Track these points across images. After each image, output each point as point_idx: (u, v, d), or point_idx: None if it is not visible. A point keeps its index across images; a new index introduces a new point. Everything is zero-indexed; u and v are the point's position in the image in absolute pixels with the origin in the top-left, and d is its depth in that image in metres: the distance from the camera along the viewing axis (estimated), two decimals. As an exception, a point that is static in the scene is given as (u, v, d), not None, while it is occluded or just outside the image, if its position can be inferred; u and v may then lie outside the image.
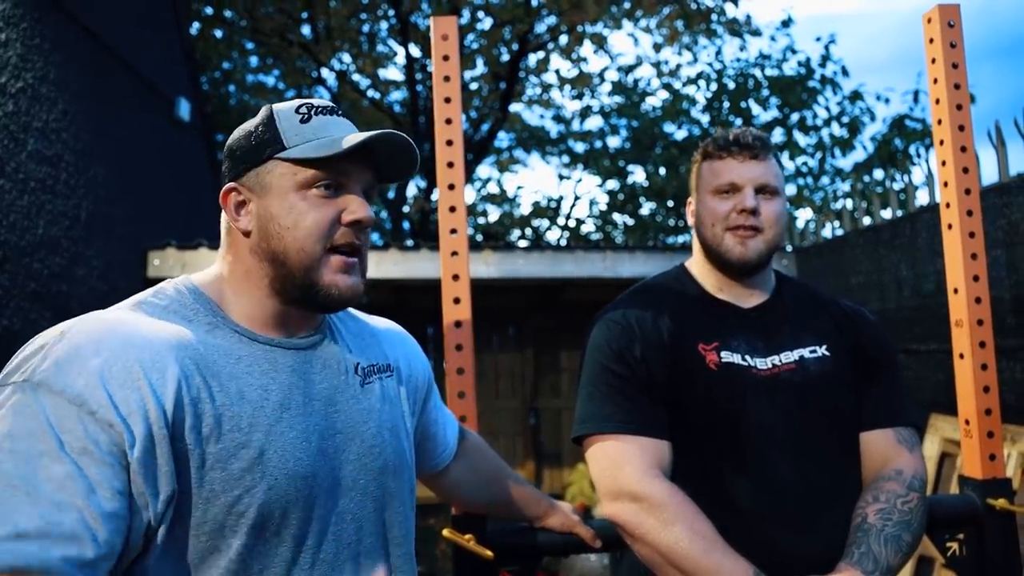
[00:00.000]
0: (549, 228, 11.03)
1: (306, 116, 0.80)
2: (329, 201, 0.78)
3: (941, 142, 1.46)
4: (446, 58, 1.31)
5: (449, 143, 1.30)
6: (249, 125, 0.82)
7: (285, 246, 0.77)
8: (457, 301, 1.27)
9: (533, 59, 8.80)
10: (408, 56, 8.20)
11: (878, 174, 8.47)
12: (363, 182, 0.81)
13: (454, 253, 1.28)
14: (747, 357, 1.16)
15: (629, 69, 10.56)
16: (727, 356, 1.15)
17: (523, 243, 10.29)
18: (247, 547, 0.70)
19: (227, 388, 0.72)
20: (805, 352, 1.18)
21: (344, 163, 0.79)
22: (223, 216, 0.82)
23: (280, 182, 0.78)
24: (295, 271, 0.77)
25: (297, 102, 0.82)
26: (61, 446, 0.62)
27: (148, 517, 0.66)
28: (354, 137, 0.77)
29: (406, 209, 8.91)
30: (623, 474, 1.07)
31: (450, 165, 1.30)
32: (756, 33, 8.95)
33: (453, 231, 1.29)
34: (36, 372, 0.64)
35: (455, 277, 1.28)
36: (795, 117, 9.57)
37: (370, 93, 9.26)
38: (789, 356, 1.17)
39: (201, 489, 0.68)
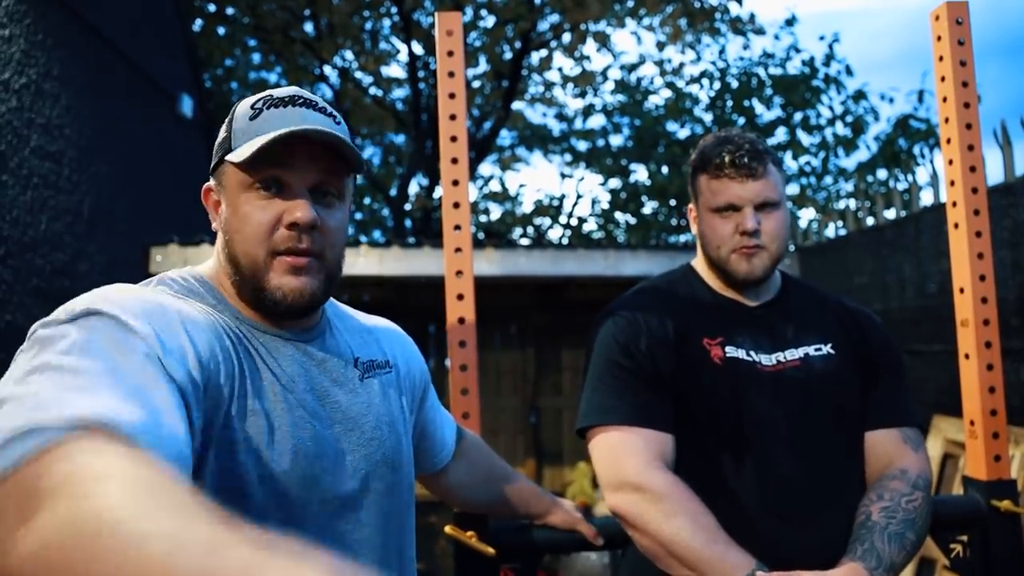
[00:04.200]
0: (551, 226, 11.02)
1: (256, 112, 0.76)
2: (271, 202, 0.75)
3: (948, 140, 1.45)
4: (451, 54, 1.31)
5: (453, 139, 1.30)
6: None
7: (235, 250, 0.76)
8: (461, 297, 1.27)
9: (536, 57, 8.78)
10: (411, 53, 8.19)
11: (881, 174, 8.45)
12: (310, 178, 0.76)
13: (458, 249, 1.28)
14: (752, 353, 1.16)
15: (632, 67, 10.54)
16: (732, 351, 1.15)
17: (525, 241, 10.29)
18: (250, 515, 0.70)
19: (243, 361, 0.73)
20: (810, 350, 1.18)
21: (283, 159, 0.74)
22: None
23: (229, 183, 0.77)
24: (246, 275, 0.76)
25: (259, 95, 0.79)
26: (132, 349, 0.60)
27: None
28: (260, 140, 0.73)
29: (408, 207, 8.90)
30: (626, 465, 1.07)
31: (454, 161, 1.29)
32: (760, 32, 8.91)
33: (457, 227, 1.28)
34: (86, 306, 0.62)
35: (459, 273, 1.27)
36: (798, 116, 9.55)
37: (372, 91, 9.24)
38: (794, 353, 1.17)
39: (214, 447, 0.67)
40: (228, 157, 0.76)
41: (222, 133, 0.80)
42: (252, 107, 0.78)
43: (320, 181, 0.78)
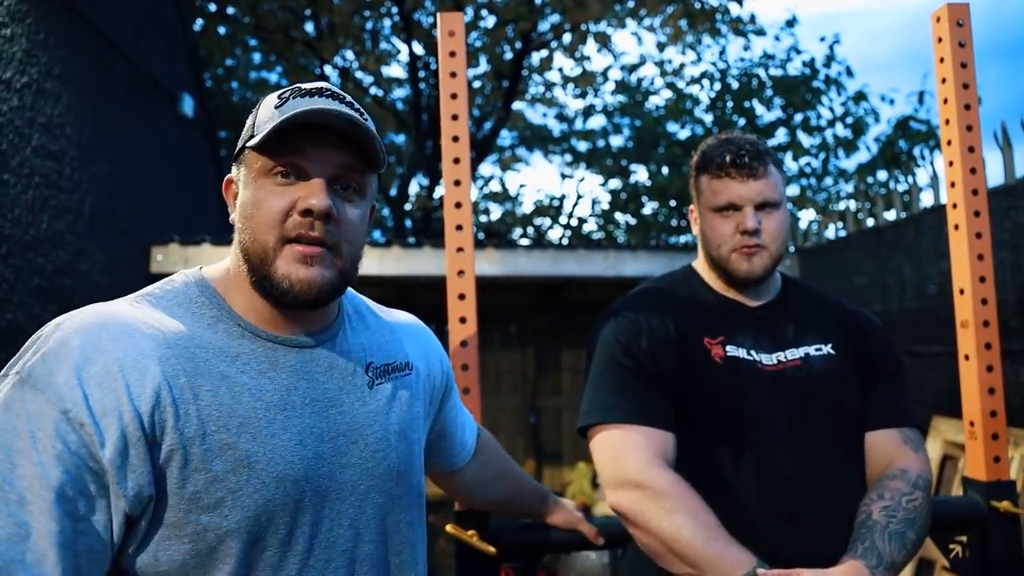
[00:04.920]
0: (551, 227, 11.02)
1: (283, 101, 0.75)
2: (287, 188, 0.73)
3: (948, 142, 1.45)
4: (452, 54, 1.31)
5: (455, 139, 1.30)
6: None
7: (245, 237, 0.75)
8: (462, 297, 1.27)
9: (536, 57, 8.79)
10: (411, 54, 8.19)
11: (882, 175, 8.46)
12: (330, 168, 0.74)
13: (459, 249, 1.28)
14: (752, 352, 1.16)
15: (632, 68, 10.55)
16: (732, 351, 1.16)
17: (525, 241, 10.29)
18: (231, 550, 0.69)
19: (217, 388, 0.70)
20: (811, 350, 1.18)
21: (303, 147, 0.73)
22: None
23: (248, 171, 0.76)
24: (254, 262, 0.74)
25: (288, 88, 0.78)
26: (34, 443, 0.62)
27: (121, 516, 0.65)
28: (281, 117, 0.72)
29: (408, 207, 8.91)
30: (627, 462, 1.07)
31: (456, 161, 1.29)
32: (760, 32, 8.92)
33: (459, 227, 1.29)
34: (27, 365, 0.65)
35: (460, 273, 1.28)
36: (799, 117, 9.56)
37: (373, 91, 9.25)
38: (794, 353, 1.18)
39: (183, 490, 0.67)
40: (249, 143, 0.75)
41: (247, 123, 0.79)
42: (279, 97, 0.76)
43: (340, 174, 0.76)
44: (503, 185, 11.48)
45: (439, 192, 8.89)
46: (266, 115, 0.76)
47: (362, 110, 0.79)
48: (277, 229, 0.73)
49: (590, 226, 10.80)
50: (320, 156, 0.74)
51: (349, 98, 0.78)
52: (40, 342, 0.67)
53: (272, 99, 0.77)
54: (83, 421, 0.63)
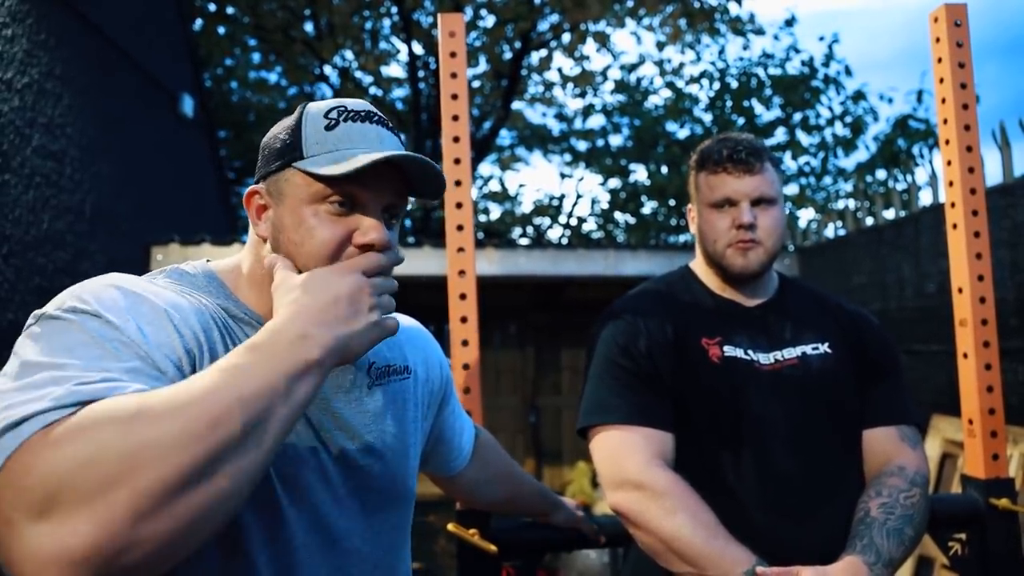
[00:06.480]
0: (551, 226, 11.04)
1: (333, 122, 0.74)
2: (341, 219, 0.72)
3: (947, 141, 1.46)
4: (453, 55, 1.32)
5: (456, 140, 1.31)
6: (281, 124, 0.78)
7: (293, 262, 0.73)
8: (463, 297, 1.28)
9: (535, 57, 8.80)
10: (411, 53, 8.20)
11: (881, 174, 8.47)
12: (384, 199, 0.74)
13: (460, 249, 1.29)
14: (750, 352, 1.17)
15: (632, 67, 10.56)
16: (730, 351, 1.17)
17: (524, 241, 10.30)
18: (227, 539, 0.68)
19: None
20: (808, 348, 1.19)
21: (368, 179, 0.72)
22: None
23: (294, 192, 0.73)
24: None
25: (331, 104, 0.76)
26: (101, 344, 0.60)
27: None
28: (365, 157, 0.70)
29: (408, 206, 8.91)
30: (627, 463, 1.08)
31: (456, 162, 1.30)
32: (759, 32, 8.94)
33: (459, 227, 1.29)
34: (71, 303, 0.62)
35: (461, 273, 1.28)
36: (798, 116, 9.57)
37: (372, 90, 9.26)
38: (792, 352, 1.19)
39: None
40: (307, 166, 0.72)
41: (284, 137, 0.75)
42: (326, 116, 0.75)
43: (392, 202, 0.76)
44: (502, 185, 11.49)
45: (439, 192, 8.87)
46: (315, 135, 0.74)
47: (398, 132, 0.79)
48: (331, 260, 0.73)
49: (589, 225, 10.81)
50: (379, 187, 0.74)
51: (390, 122, 0.78)
52: (77, 292, 0.64)
53: (317, 117, 0.75)
54: (142, 352, 0.61)
